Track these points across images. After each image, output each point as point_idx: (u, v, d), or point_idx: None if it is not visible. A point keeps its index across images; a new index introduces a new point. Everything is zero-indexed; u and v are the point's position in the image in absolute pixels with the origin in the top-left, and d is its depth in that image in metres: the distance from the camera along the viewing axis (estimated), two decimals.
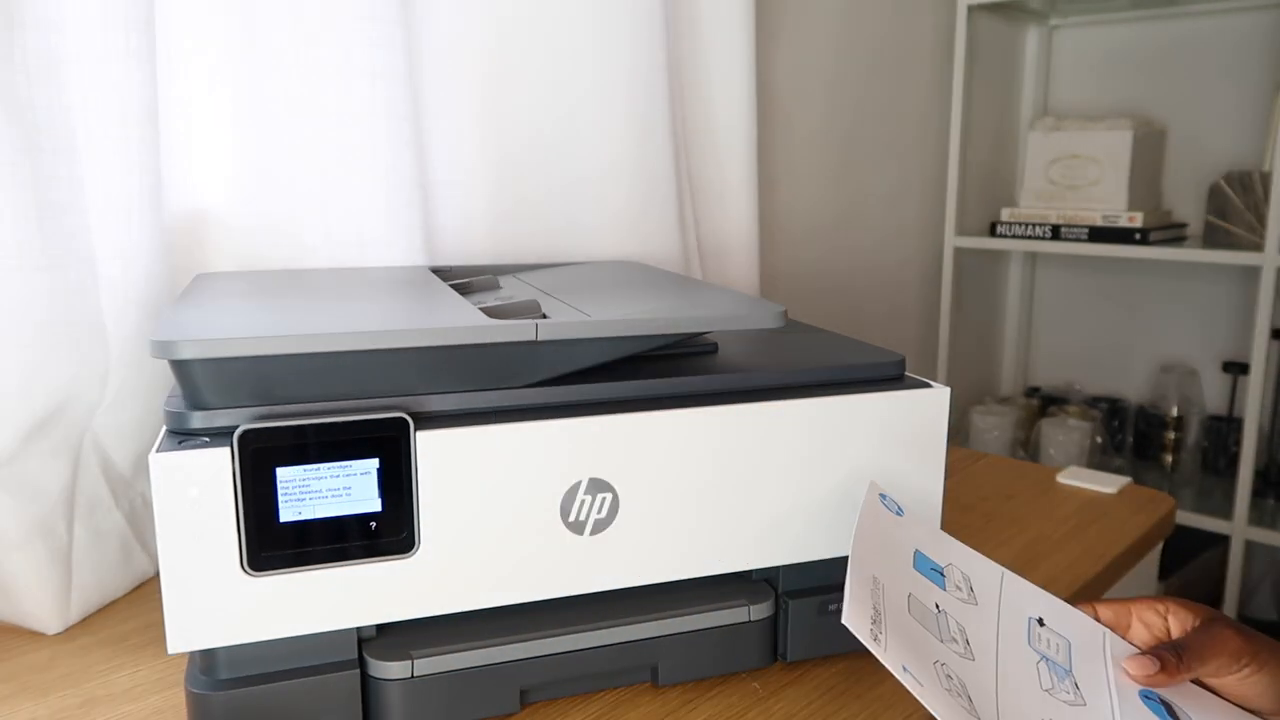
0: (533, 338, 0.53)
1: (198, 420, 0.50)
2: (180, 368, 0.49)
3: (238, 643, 0.51)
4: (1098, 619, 0.57)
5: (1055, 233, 1.74)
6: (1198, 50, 1.78)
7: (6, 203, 0.63)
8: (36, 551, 0.68)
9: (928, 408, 0.62)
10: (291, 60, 0.81)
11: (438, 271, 0.80)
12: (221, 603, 0.50)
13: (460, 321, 0.53)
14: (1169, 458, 1.82)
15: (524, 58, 0.96)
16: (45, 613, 0.69)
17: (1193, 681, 0.54)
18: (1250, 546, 1.62)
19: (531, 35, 0.96)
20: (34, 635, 0.70)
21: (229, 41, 0.80)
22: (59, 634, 0.70)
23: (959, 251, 1.82)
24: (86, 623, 0.72)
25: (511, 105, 0.96)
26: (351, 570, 0.52)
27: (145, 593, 0.76)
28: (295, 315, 0.57)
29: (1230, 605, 1.60)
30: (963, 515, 0.92)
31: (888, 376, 0.64)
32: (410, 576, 0.53)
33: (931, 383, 0.63)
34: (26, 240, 0.65)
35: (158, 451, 0.48)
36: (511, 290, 0.73)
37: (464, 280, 0.77)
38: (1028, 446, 1.86)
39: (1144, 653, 0.54)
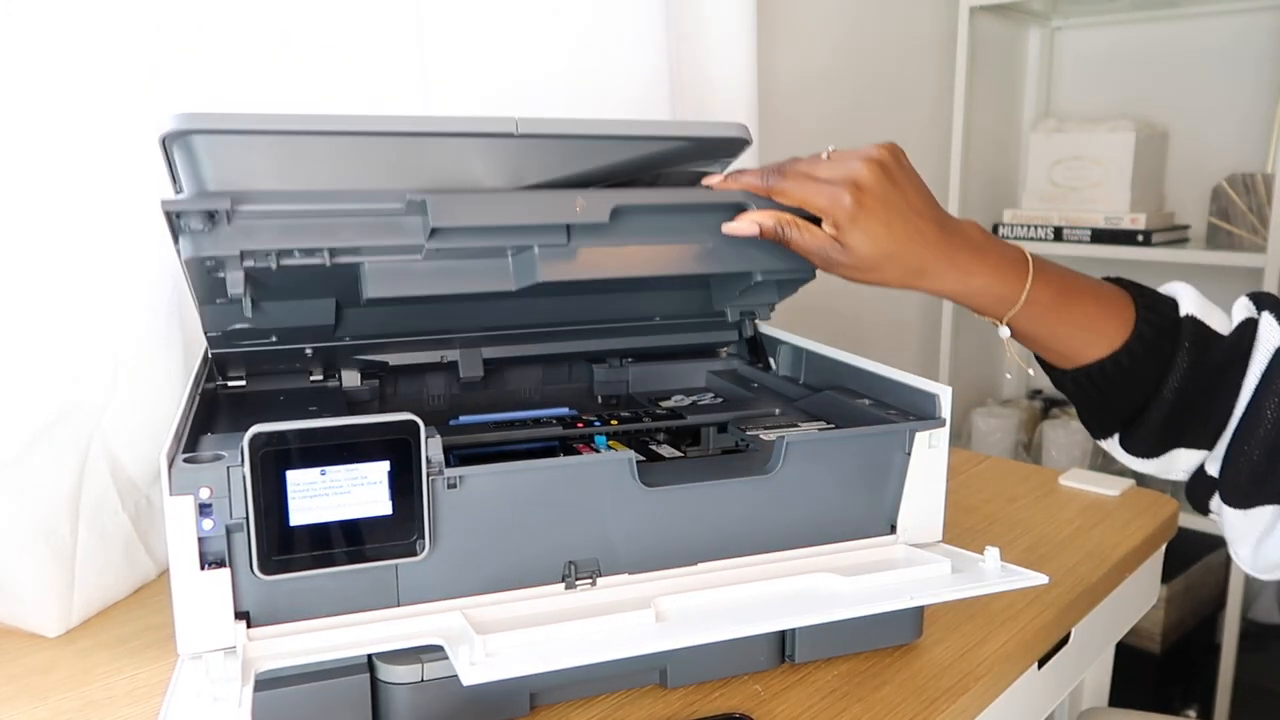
0: (513, 131, 0.54)
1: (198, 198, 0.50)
2: (185, 146, 0.49)
3: None
4: None
5: (1058, 234, 1.74)
6: (1200, 51, 1.78)
7: (14, 204, 0.63)
8: (39, 554, 0.68)
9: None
10: (300, 61, 0.81)
11: None
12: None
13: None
14: None
15: (526, 60, 0.96)
16: (46, 615, 0.69)
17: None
18: None
19: (534, 39, 0.96)
20: (35, 638, 0.69)
21: (242, 40, 0.80)
22: (59, 636, 0.70)
23: None
24: (87, 625, 0.71)
25: (514, 100, 0.96)
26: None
27: (146, 595, 0.76)
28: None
29: (1233, 608, 1.60)
30: (965, 517, 0.92)
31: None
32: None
33: (934, 383, 0.64)
34: (34, 242, 0.65)
35: (168, 453, 0.48)
36: None
37: None
38: (1030, 449, 1.86)
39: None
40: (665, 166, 0.64)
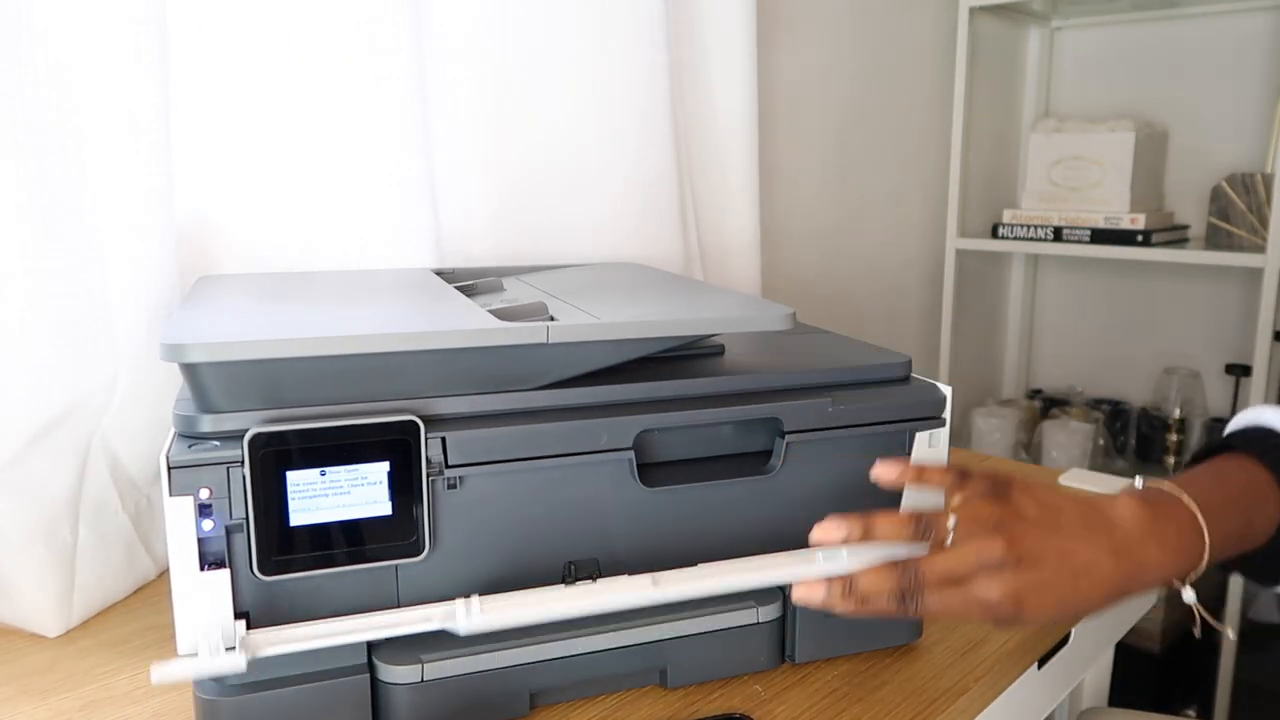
0: (544, 340, 0.53)
1: (207, 424, 0.49)
2: (190, 371, 0.49)
3: None
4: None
5: (1057, 234, 1.74)
6: (1200, 52, 1.78)
7: (15, 205, 0.63)
8: (38, 554, 0.68)
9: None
10: (300, 63, 0.81)
11: (440, 273, 0.80)
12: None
13: (471, 324, 0.53)
14: (1171, 460, 1.81)
15: (528, 61, 0.96)
16: (46, 615, 0.69)
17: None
18: None
19: (535, 39, 0.96)
20: (35, 638, 0.69)
21: (240, 44, 0.80)
22: (60, 636, 0.70)
23: (961, 253, 1.82)
24: (87, 625, 0.71)
25: (515, 109, 0.96)
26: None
27: (146, 595, 0.76)
28: (304, 318, 0.57)
29: (1233, 608, 1.60)
30: None
31: (894, 378, 0.64)
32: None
33: (937, 383, 0.63)
34: (35, 242, 0.64)
35: (169, 454, 0.48)
36: (516, 293, 0.73)
37: (468, 282, 0.77)
38: (1030, 449, 1.86)
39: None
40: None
